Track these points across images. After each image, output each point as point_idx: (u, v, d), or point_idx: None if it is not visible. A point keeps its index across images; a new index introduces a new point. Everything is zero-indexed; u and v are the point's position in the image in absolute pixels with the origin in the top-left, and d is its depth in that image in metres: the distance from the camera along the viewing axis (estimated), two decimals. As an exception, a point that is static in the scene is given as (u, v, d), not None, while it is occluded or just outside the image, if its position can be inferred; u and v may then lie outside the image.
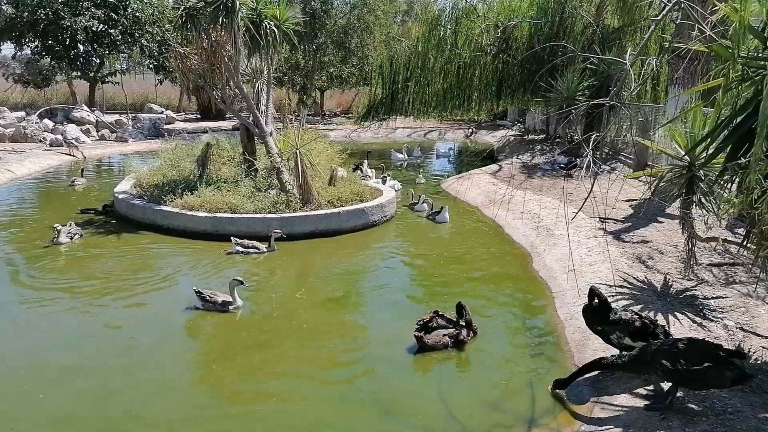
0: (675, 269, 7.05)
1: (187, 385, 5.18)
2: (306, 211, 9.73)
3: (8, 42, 26.33)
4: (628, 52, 5.70)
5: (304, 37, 25.29)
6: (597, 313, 5.13)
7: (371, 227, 10.18)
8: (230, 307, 6.49)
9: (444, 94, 18.12)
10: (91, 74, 27.80)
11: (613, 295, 6.18)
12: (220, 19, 9.89)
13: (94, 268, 8.04)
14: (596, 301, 5.14)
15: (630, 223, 9.05)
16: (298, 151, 9.73)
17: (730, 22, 4.32)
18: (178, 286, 7.40)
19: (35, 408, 4.68)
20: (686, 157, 5.84)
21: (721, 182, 5.10)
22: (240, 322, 6.41)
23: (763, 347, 5.08)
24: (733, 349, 4.89)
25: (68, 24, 24.38)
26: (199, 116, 30.48)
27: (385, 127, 24.09)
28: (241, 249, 8.53)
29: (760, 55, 4.30)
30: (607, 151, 14.30)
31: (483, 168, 15.47)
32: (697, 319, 5.64)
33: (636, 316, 5.01)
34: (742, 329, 5.43)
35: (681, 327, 5.47)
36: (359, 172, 13.83)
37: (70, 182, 14.39)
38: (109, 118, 23.90)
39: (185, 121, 29.35)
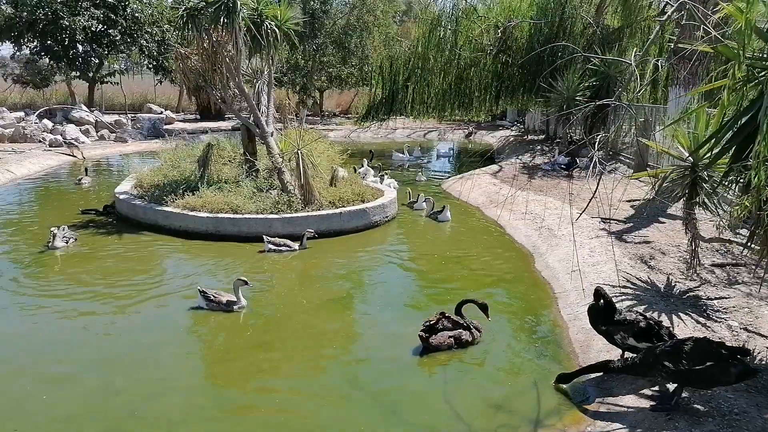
0: (677, 270, 7.05)
1: (190, 385, 5.15)
2: (308, 211, 9.72)
3: (7, 42, 26.29)
4: (633, 53, 5.70)
5: (304, 38, 25.30)
6: (602, 313, 5.13)
7: (373, 227, 10.17)
8: (235, 307, 6.48)
9: (444, 94, 18.15)
10: (90, 74, 27.76)
11: (616, 296, 6.18)
12: (222, 20, 9.89)
13: (97, 268, 8.03)
14: (601, 301, 5.14)
15: (631, 224, 9.06)
16: (299, 151, 9.72)
17: (733, 22, 4.32)
18: (182, 285, 7.38)
19: (38, 409, 4.67)
20: (690, 157, 5.85)
21: (726, 183, 5.10)
22: (243, 322, 6.40)
23: (768, 347, 5.09)
24: (736, 346, 4.89)
25: (67, 24, 24.34)
26: (198, 116, 30.47)
27: (385, 128, 24.10)
28: (273, 247, 8.65)
29: (765, 55, 4.30)
30: (607, 151, 14.31)
31: (483, 168, 15.48)
32: (701, 319, 5.65)
33: (641, 317, 5.00)
34: (746, 330, 5.43)
35: (685, 328, 5.47)
36: (362, 169, 13.89)
37: (77, 180, 14.50)
38: (108, 119, 23.87)
39: (184, 121, 29.32)
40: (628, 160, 13.71)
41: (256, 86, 11.89)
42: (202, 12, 10.18)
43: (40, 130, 20.45)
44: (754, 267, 6.74)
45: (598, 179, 5.21)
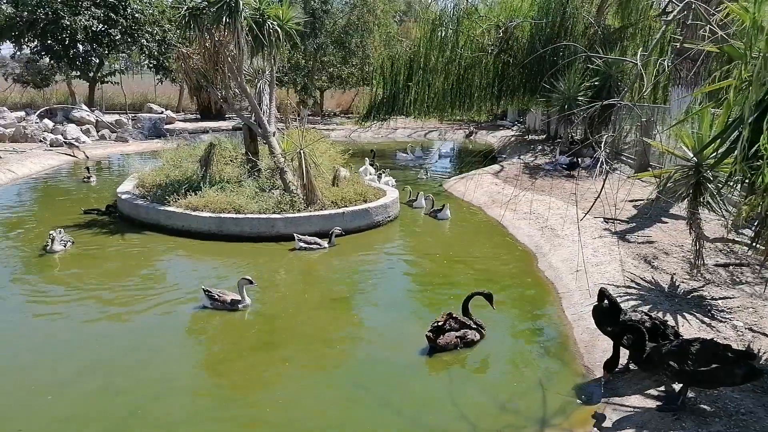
0: (681, 269, 7.05)
1: (192, 385, 5.14)
2: (310, 211, 9.72)
3: (7, 42, 26.28)
4: (639, 53, 5.69)
5: (305, 37, 25.29)
6: (607, 313, 5.13)
7: (375, 227, 10.17)
8: (239, 306, 6.47)
9: (444, 94, 18.15)
10: (91, 74, 27.75)
11: (620, 296, 6.18)
12: (224, 19, 9.89)
13: (100, 267, 8.03)
14: (606, 302, 5.14)
15: (634, 224, 9.05)
16: (302, 151, 9.71)
17: (737, 22, 4.31)
18: (185, 285, 7.37)
19: (43, 408, 4.66)
20: (694, 158, 5.84)
21: (731, 183, 5.09)
22: (247, 321, 6.40)
23: (773, 348, 5.08)
24: (743, 350, 4.89)
25: (68, 24, 24.33)
26: (198, 116, 30.45)
27: (386, 128, 24.10)
28: (303, 245, 8.79)
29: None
30: (609, 151, 14.31)
31: (485, 168, 15.47)
32: (706, 319, 5.65)
33: (646, 317, 5.01)
34: (751, 330, 5.43)
35: (690, 327, 5.47)
36: (362, 168, 13.89)
37: (85, 178, 14.68)
38: (108, 118, 23.86)
39: (185, 121, 29.31)
40: (629, 160, 13.71)
41: (258, 86, 11.89)
42: (204, 11, 10.18)
43: (41, 129, 20.44)
44: (758, 267, 6.74)
45: (604, 179, 5.20)
